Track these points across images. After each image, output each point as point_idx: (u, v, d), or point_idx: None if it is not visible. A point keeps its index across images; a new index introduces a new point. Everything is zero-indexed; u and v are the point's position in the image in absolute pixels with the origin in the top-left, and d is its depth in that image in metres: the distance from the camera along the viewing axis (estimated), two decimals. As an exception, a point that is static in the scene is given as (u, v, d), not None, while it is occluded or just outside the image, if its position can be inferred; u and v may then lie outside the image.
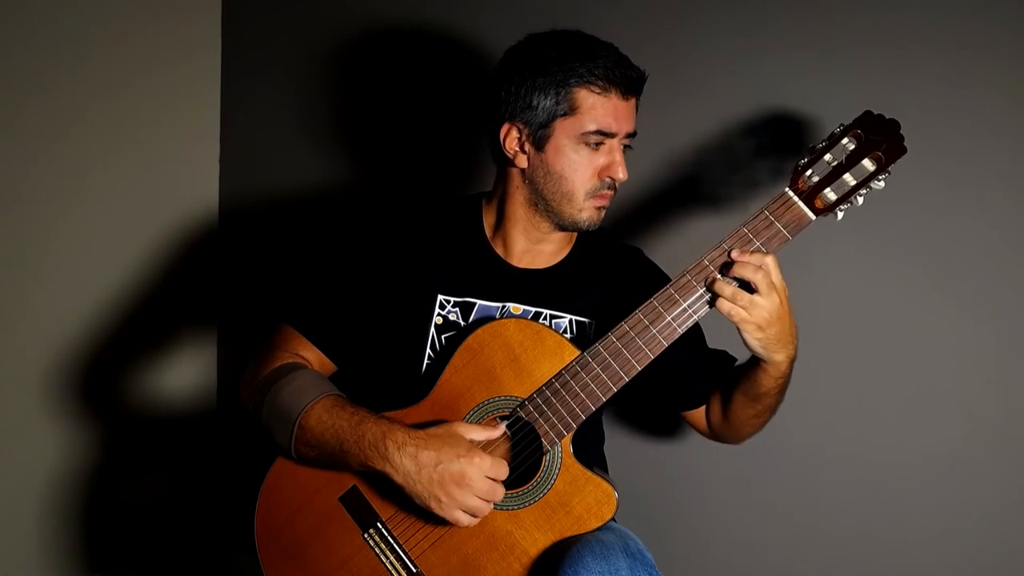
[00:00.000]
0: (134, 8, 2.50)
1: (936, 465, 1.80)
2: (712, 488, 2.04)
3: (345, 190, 2.52)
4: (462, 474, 1.41)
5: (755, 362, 1.49)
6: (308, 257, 2.53)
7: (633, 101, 1.55)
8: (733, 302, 1.39)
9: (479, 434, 1.47)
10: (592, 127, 1.50)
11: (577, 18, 1.76)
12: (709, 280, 1.42)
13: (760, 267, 1.39)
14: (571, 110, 1.51)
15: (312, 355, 1.67)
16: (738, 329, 1.42)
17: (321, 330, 1.67)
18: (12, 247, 2.32)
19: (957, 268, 1.76)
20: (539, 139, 1.54)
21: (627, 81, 1.51)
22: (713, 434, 1.74)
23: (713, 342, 1.74)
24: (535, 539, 1.52)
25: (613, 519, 1.60)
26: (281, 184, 2.63)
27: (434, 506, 1.43)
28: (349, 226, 2.42)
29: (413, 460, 1.43)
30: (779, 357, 1.45)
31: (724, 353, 1.75)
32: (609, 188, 1.56)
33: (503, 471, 1.44)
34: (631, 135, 1.56)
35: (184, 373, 2.69)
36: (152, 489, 2.65)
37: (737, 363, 1.70)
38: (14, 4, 2.26)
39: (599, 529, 1.52)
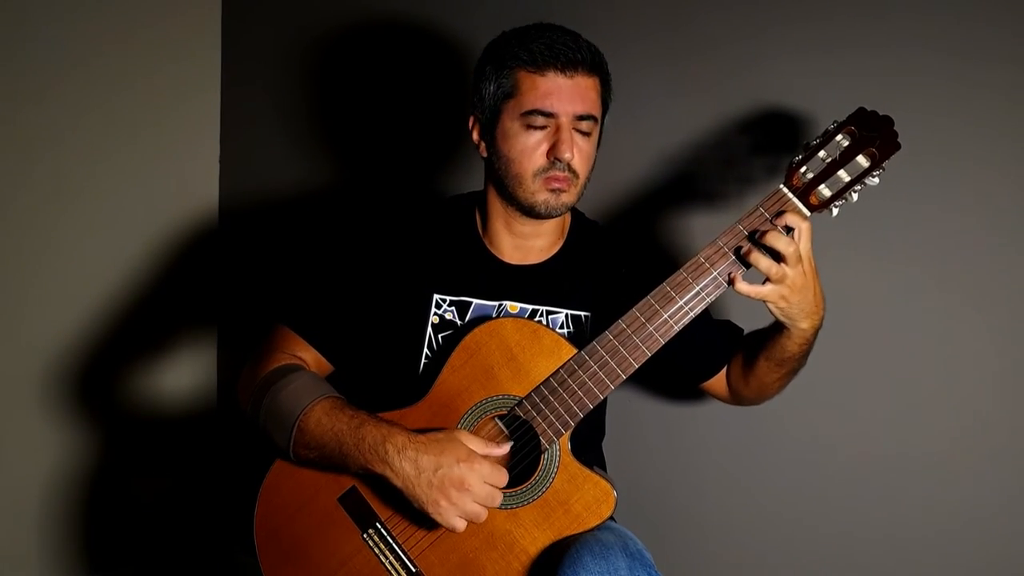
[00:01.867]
0: (134, 8, 2.51)
1: (937, 465, 1.80)
2: (712, 488, 2.04)
3: (345, 190, 2.52)
4: (462, 479, 1.41)
5: (779, 328, 1.50)
6: (305, 258, 2.53)
7: (580, 80, 1.50)
8: (768, 273, 1.38)
9: (480, 447, 1.46)
10: (530, 106, 1.49)
11: (573, 17, 1.76)
12: (744, 251, 1.41)
13: (790, 239, 1.38)
14: (512, 91, 1.51)
15: (309, 356, 1.67)
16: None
17: (318, 331, 1.67)
18: (12, 247, 2.33)
19: (952, 264, 1.75)
20: (490, 125, 1.56)
21: (563, 58, 1.48)
22: (735, 399, 1.75)
23: (716, 313, 1.77)
24: (534, 537, 1.52)
25: (612, 518, 1.60)
26: (281, 184, 2.64)
27: (432, 510, 1.43)
28: (344, 226, 2.42)
29: (413, 464, 1.43)
30: (803, 325, 1.46)
31: (729, 323, 1.77)
32: (561, 170, 1.52)
33: (502, 478, 1.44)
34: (584, 117, 1.51)
35: (184, 373, 2.69)
36: (152, 489, 2.66)
37: (748, 332, 1.71)
38: (14, 4, 2.27)
39: (598, 528, 1.52)
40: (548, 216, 1.58)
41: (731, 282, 1.42)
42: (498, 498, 1.44)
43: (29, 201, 2.35)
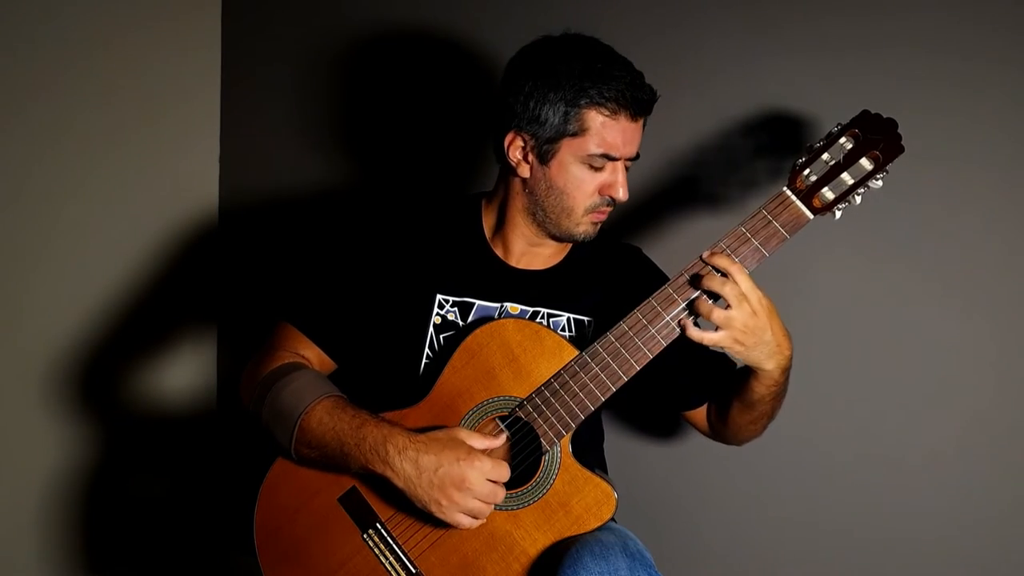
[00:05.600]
0: (134, 8, 2.50)
1: (936, 465, 1.80)
2: (712, 488, 2.04)
3: (345, 190, 2.52)
4: (462, 477, 1.41)
5: (749, 369, 1.49)
6: (308, 256, 2.53)
7: (641, 122, 1.54)
8: (708, 318, 1.39)
9: (480, 442, 1.47)
10: (599, 150, 1.50)
11: (576, 17, 1.76)
12: (689, 300, 1.42)
13: (727, 279, 1.38)
14: (580, 130, 1.49)
15: (312, 354, 1.67)
16: None
17: (321, 328, 1.67)
18: (12, 247, 2.32)
19: (955, 266, 1.76)
20: (544, 153, 1.53)
21: (637, 104, 1.50)
22: (714, 435, 1.74)
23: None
24: (534, 539, 1.52)
25: (613, 519, 1.60)
26: (281, 184, 2.64)
27: (435, 510, 1.43)
28: (349, 224, 2.42)
29: (414, 464, 1.43)
30: (768, 366, 1.45)
31: (723, 355, 1.74)
32: (607, 204, 1.56)
33: (504, 473, 1.44)
34: (635, 157, 1.55)
35: (184, 373, 2.69)
36: (152, 489, 2.65)
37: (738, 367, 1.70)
38: (14, 4, 2.26)
39: (598, 529, 1.52)
40: (581, 242, 1.61)
41: (682, 329, 1.42)
42: (500, 494, 1.44)
43: (29, 201, 2.34)
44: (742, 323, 1.38)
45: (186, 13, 2.64)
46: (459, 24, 2.30)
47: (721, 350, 1.43)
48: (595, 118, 1.49)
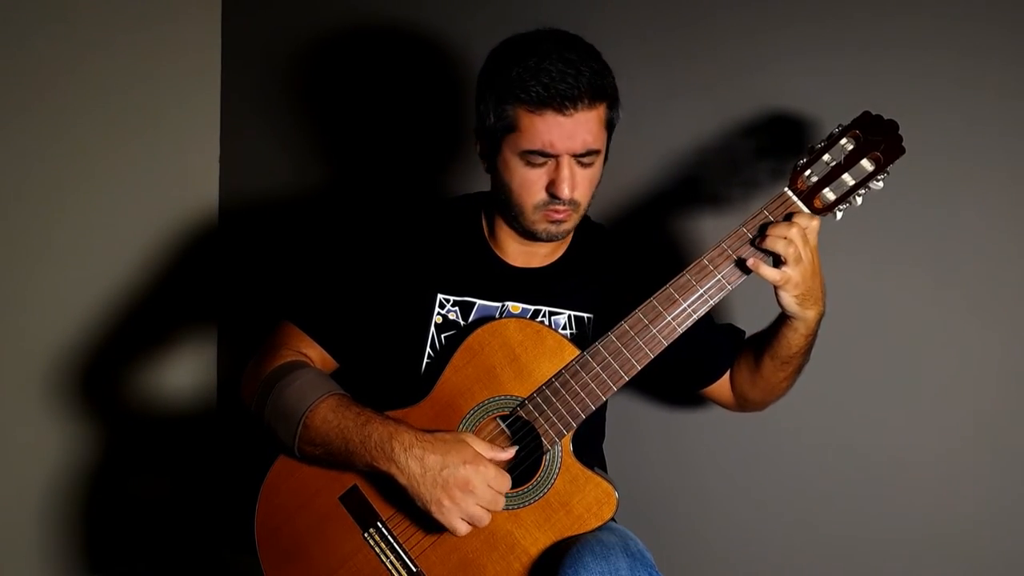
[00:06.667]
0: (134, 8, 2.50)
1: (937, 465, 1.80)
2: (712, 488, 2.04)
3: (345, 190, 2.52)
4: (467, 480, 1.41)
5: (782, 324, 1.51)
6: (310, 255, 2.53)
7: (580, 116, 1.44)
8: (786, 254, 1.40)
9: (487, 451, 1.46)
10: (528, 146, 1.46)
11: (576, 19, 1.76)
12: (758, 241, 1.42)
13: (791, 224, 1.40)
14: (513, 126, 1.47)
15: (314, 352, 1.66)
16: (776, 290, 1.43)
17: (323, 327, 1.67)
18: (12, 247, 2.32)
19: (955, 267, 1.76)
20: (492, 151, 1.54)
21: (562, 98, 1.42)
22: (740, 405, 1.74)
23: (718, 318, 1.78)
24: (535, 538, 1.52)
25: (613, 519, 1.60)
26: (281, 184, 2.64)
27: (435, 510, 1.42)
28: (351, 224, 2.42)
29: (419, 462, 1.42)
30: (811, 314, 1.47)
31: (732, 326, 1.77)
32: (561, 204, 1.51)
33: (506, 483, 1.44)
34: (584, 154, 1.48)
35: (184, 373, 2.69)
36: (152, 489, 2.65)
37: (750, 334, 1.71)
38: (14, 4, 2.26)
39: (599, 529, 1.52)
40: (548, 241, 1.59)
41: (750, 269, 1.43)
42: (500, 502, 1.44)
43: (29, 201, 2.34)
44: (804, 263, 1.40)
45: (186, 13, 2.64)
46: (459, 25, 2.30)
47: (782, 290, 1.43)
48: (522, 115, 1.46)
